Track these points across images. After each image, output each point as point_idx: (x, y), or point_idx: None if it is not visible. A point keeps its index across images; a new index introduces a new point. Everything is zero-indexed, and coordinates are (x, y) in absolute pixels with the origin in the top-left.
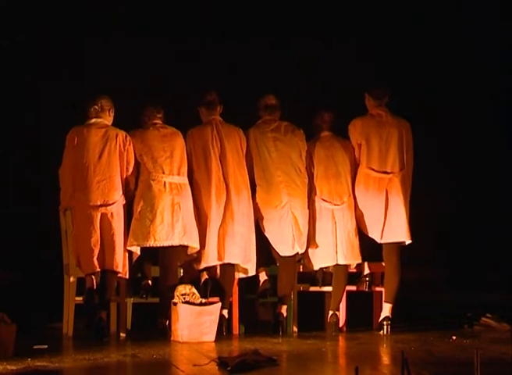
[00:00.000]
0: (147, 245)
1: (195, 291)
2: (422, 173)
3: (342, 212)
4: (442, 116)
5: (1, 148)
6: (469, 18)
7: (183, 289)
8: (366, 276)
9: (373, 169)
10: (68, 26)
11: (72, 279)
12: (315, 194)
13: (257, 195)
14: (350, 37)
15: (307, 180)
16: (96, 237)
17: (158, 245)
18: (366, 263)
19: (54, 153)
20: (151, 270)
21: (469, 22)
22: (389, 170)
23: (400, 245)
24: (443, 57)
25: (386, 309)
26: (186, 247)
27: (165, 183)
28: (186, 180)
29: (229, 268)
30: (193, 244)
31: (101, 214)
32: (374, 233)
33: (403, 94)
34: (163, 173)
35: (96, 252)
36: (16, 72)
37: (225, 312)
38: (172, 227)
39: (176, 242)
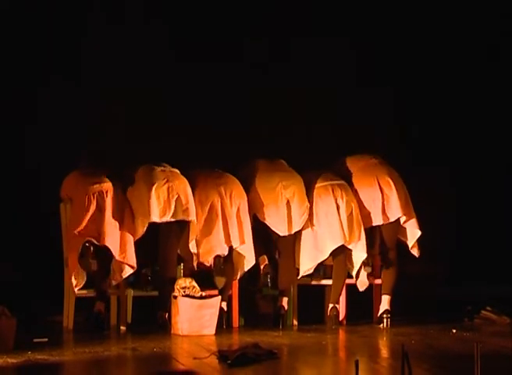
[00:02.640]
0: (150, 221)
1: (195, 285)
2: (423, 169)
3: (340, 189)
4: (440, 114)
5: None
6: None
7: (183, 282)
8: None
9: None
10: None
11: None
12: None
13: (255, 185)
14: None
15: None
16: (91, 211)
17: (158, 221)
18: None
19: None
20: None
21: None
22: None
23: (397, 237)
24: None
25: (385, 302)
26: (185, 237)
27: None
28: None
29: (229, 260)
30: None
31: (98, 192)
32: (375, 219)
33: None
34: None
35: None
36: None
37: (224, 305)
38: (168, 203)
39: (175, 217)
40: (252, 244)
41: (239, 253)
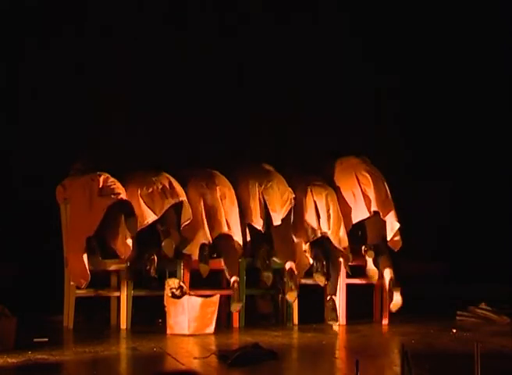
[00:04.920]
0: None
1: (183, 285)
2: (423, 168)
3: (319, 188)
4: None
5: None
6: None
7: (172, 283)
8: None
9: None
10: None
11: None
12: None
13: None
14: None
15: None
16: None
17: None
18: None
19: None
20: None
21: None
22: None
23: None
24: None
25: (388, 273)
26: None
27: None
28: None
29: (228, 244)
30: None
31: (96, 181)
32: (359, 214)
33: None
34: None
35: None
36: None
37: (235, 281)
38: (156, 199)
39: (167, 204)
40: (239, 231)
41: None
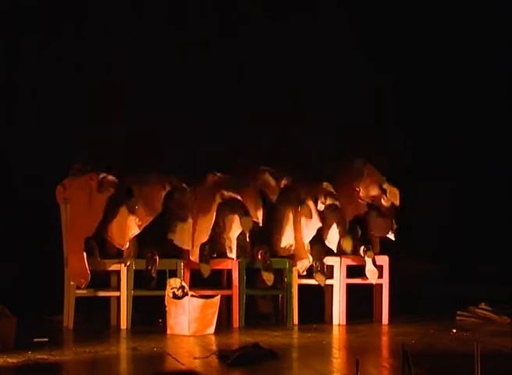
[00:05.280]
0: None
1: (185, 285)
2: (423, 168)
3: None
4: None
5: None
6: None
7: (173, 283)
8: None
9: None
10: None
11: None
12: None
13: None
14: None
15: None
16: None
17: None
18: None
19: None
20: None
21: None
22: None
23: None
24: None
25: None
26: None
27: None
28: None
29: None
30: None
31: (94, 180)
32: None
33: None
34: None
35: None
36: None
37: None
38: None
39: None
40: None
41: None
